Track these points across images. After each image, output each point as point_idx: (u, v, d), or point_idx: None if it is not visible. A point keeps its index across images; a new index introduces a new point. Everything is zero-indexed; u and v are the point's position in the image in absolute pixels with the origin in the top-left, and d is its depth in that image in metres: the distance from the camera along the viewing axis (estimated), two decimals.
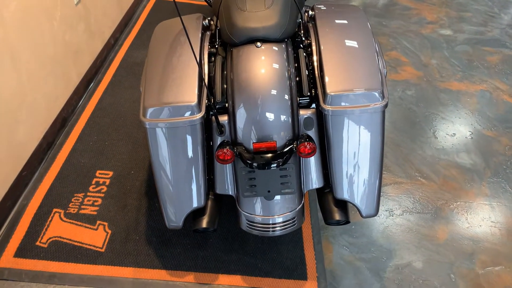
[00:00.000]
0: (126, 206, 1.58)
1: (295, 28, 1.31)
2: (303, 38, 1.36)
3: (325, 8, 1.38)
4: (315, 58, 1.23)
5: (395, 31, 2.92)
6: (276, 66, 1.17)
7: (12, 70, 1.50)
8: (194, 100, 1.11)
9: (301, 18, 1.45)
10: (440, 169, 1.88)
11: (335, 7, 1.39)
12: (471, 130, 2.10)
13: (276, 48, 1.21)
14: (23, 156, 1.61)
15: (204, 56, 1.30)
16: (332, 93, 1.09)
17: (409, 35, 2.88)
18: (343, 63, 1.15)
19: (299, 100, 1.19)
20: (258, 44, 1.20)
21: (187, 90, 1.13)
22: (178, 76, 1.17)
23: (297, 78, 1.22)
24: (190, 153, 1.15)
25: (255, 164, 1.08)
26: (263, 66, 1.17)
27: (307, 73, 1.22)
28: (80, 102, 2.04)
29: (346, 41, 1.21)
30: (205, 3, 2.97)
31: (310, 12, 1.38)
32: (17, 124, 1.56)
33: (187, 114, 1.10)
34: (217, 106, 1.20)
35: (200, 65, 1.21)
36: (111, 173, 1.69)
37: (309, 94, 1.19)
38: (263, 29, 1.20)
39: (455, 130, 2.10)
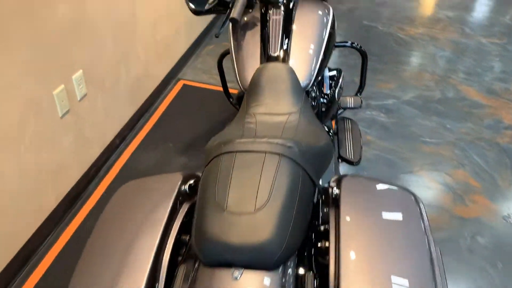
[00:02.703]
0: None
1: (301, 240, 0.83)
2: (317, 247, 0.87)
3: (359, 188, 0.89)
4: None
5: (462, 138, 2.34)
6: None
7: None
8: None
9: (320, 194, 0.98)
10: None
11: (375, 189, 0.89)
12: None
13: (265, 283, 0.73)
14: None
15: (167, 249, 0.86)
16: None
17: (481, 144, 2.29)
18: None
19: None
20: (236, 273, 0.73)
21: None
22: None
23: None
24: None
25: None
26: None
27: None
28: (54, 231, 1.68)
29: (385, 266, 0.71)
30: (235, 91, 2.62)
31: (335, 190, 0.90)
32: None
33: None
34: None
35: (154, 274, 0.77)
36: None
37: None
38: (245, 249, 0.74)
39: None
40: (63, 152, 1.67)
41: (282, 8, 1.28)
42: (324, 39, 1.31)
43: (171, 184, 0.97)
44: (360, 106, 1.76)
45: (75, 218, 1.74)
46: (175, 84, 2.67)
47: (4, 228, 1.42)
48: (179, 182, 0.97)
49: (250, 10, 1.34)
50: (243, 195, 0.81)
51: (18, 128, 1.40)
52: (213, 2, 1.34)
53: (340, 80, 1.61)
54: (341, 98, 1.80)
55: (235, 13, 1.19)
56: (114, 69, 1.94)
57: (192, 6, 1.31)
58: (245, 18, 1.32)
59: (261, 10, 1.30)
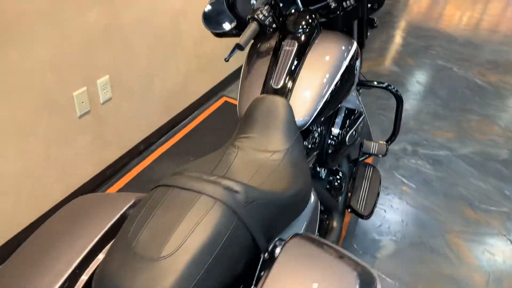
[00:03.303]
0: None
1: None
2: None
3: (304, 253, 0.75)
4: None
5: None
6: None
7: None
8: None
9: (264, 252, 0.85)
10: None
11: (322, 258, 0.74)
12: None
13: None
14: None
15: (87, 271, 0.81)
16: None
17: None
18: None
19: None
20: None
21: None
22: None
23: None
24: None
25: None
26: None
27: None
28: None
29: None
30: None
31: (277, 250, 0.78)
32: None
33: None
34: None
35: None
36: None
37: None
38: None
39: None
40: (77, 150, 1.73)
41: (303, 38, 1.19)
42: (336, 77, 1.17)
43: (119, 204, 0.92)
44: (385, 154, 1.57)
45: None
46: (216, 100, 2.68)
47: (1, 212, 1.51)
48: (129, 204, 0.92)
49: (265, 38, 1.27)
50: (156, 237, 0.72)
51: (32, 120, 1.48)
52: (232, 24, 1.30)
53: (357, 123, 1.45)
54: (365, 142, 1.63)
55: (242, 39, 1.13)
56: (146, 78, 1.99)
57: (211, 28, 1.28)
58: (266, 45, 1.26)
59: (278, 38, 1.22)
